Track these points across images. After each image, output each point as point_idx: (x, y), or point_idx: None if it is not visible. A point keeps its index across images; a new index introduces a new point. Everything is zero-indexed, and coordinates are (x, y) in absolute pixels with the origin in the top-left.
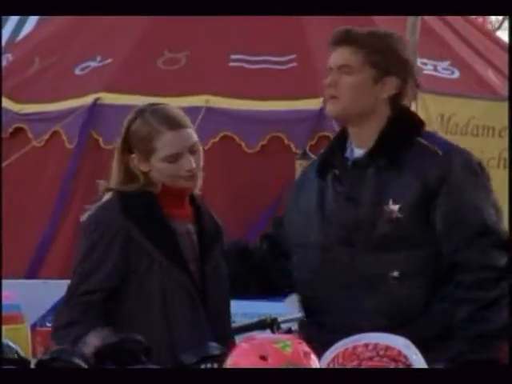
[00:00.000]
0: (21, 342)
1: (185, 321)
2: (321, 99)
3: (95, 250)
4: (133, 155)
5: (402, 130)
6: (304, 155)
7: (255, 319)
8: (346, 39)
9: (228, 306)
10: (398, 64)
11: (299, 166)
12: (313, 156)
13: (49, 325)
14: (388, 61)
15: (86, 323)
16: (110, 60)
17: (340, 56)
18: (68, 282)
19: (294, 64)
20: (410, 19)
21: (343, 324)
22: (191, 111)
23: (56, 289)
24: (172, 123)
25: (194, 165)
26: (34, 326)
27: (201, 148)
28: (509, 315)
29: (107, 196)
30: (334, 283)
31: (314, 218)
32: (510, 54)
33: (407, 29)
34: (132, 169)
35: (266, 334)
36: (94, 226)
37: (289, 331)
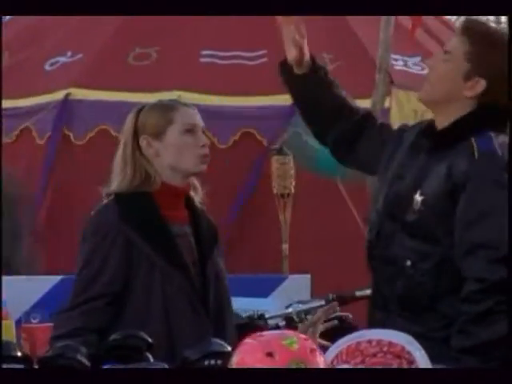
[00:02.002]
0: (8, 339)
1: (186, 324)
2: None
3: (95, 256)
4: (142, 137)
5: (464, 127)
6: (280, 151)
7: (242, 315)
8: (462, 29)
9: (229, 308)
10: (497, 68)
11: (275, 161)
12: (288, 152)
13: (34, 321)
14: (486, 62)
15: (90, 331)
16: (80, 55)
17: (450, 42)
18: (50, 277)
19: (265, 59)
20: (384, 17)
21: (382, 305)
22: None
23: (39, 285)
24: (182, 102)
25: (207, 141)
26: (18, 323)
27: None
28: (502, 331)
29: (105, 200)
30: (380, 256)
31: (383, 186)
32: (509, 54)
33: (381, 25)
34: (136, 159)
35: (273, 331)
36: (92, 231)
37: (276, 327)
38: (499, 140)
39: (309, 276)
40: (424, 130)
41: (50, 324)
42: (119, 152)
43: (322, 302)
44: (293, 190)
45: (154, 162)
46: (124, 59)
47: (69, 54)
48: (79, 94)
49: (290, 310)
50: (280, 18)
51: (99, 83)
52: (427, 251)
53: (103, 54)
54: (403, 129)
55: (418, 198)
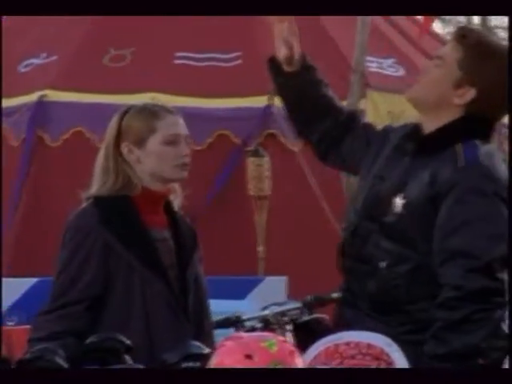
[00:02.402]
0: None
1: (165, 328)
2: (266, 96)
3: (74, 260)
4: (124, 144)
5: (451, 134)
6: (256, 152)
7: (219, 317)
8: (457, 36)
9: (208, 312)
10: (488, 79)
11: (251, 163)
12: (264, 153)
13: (10, 323)
14: (477, 71)
15: (69, 335)
16: (55, 57)
17: (444, 47)
18: (27, 280)
19: (240, 61)
20: (361, 18)
21: (352, 303)
22: None
23: (16, 287)
24: (168, 109)
25: (188, 151)
26: None
27: None
28: (476, 340)
29: (85, 203)
30: (354, 255)
31: (365, 186)
32: (509, 54)
33: (357, 27)
34: (118, 163)
35: (252, 333)
36: (71, 235)
37: (252, 329)
38: (485, 149)
39: (285, 278)
40: (410, 134)
41: (27, 326)
42: (101, 155)
43: (299, 304)
44: (269, 192)
45: (136, 168)
46: (99, 61)
47: (43, 55)
48: (54, 95)
49: (266, 311)
50: (272, 16)
51: (74, 85)
52: (403, 255)
53: (78, 55)
54: (388, 130)
55: (398, 200)
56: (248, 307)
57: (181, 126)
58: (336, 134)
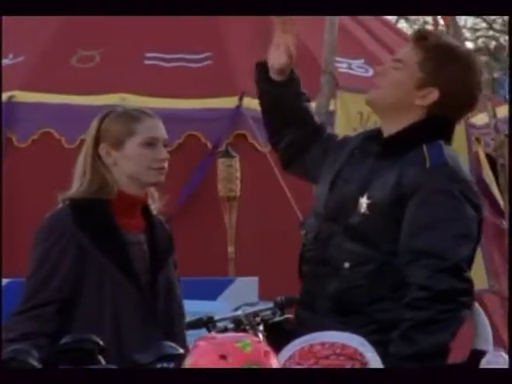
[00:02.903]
0: None
1: (135, 333)
2: (236, 97)
3: (46, 261)
4: (102, 145)
5: (415, 134)
6: (226, 153)
7: (191, 318)
8: (416, 39)
9: (180, 318)
10: (451, 82)
11: (221, 164)
12: (234, 154)
13: None
14: (439, 72)
15: (40, 336)
16: (22, 58)
17: (402, 50)
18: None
19: (210, 62)
20: (329, 18)
21: (309, 305)
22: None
23: None
24: (147, 113)
25: (167, 155)
26: None
27: None
28: (444, 340)
29: (60, 205)
30: (315, 258)
31: (325, 187)
32: (510, 54)
33: (325, 27)
34: (96, 166)
35: (226, 334)
36: (44, 235)
37: (225, 330)
38: (448, 150)
39: (256, 278)
40: (373, 136)
41: None
42: (80, 157)
43: (271, 305)
44: (238, 193)
45: (113, 170)
46: (67, 62)
47: (10, 56)
48: (22, 96)
49: (238, 312)
50: (277, 23)
51: (42, 86)
52: (367, 255)
53: (46, 56)
54: (347, 138)
55: (364, 201)
56: (220, 308)
57: (160, 130)
58: (302, 145)
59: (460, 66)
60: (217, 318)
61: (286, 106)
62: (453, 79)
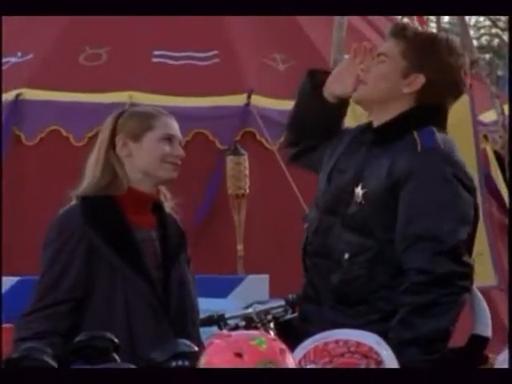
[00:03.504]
0: None
1: (147, 330)
2: (244, 95)
3: (57, 262)
4: (119, 136)
5: (405, 121)
6: (235, 151)
7: (202, 316)
8: (395, 32)
9: (193, 314)
10: (434, 65)
11: (230, 161)
12: (243, 152)
13: None
14: (422, 58)
15: (54, 334)
16: (30, 56)
17: (383, 45)
18: (7, 279)
19: (217, 60)
20: (338, 17)
21: (314, 298)
22: (115, 107)
23: None
24: (166, 113)
25: (182, 153)
26: None
27: None
28: (444, 325)
29: (71, 203)
30: (315, 250)
31: (324, 180)
32: (509, 54)
33: (334, 27)
34: (109, 157)
35: (241, 331)
36: (55, 235)
37: (236, 327)
38: (441, 135)
39: (267, 276)
40: (365, 127)
41: (7, 325)
42: (93, 152)
43: (282, 303)
44: (247, 191)
45: (126, 163)
46: (75, 60)
47: (19, 54)
48: (30, 94)
49: (250, 310)
50: (354, 52)
51: (50, 84)
52: (364, 244)
53: (53, 54)
54: (345, 130)
55: (359, 190)
56: (230, 305)
57: (176, 129)
58: (314, 147)
59: (441, 50)
60: (228, 315)
61: (326, 125)
62: (436, 63)
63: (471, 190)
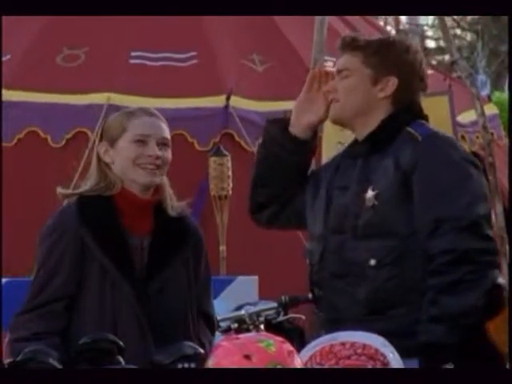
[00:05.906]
0: None
1: (131, 335)
2: (223, 96)
3: (51, 258)
4: (101, 144)
5: (395, 123)
6: (218, 152)
7: None
8: (347, 45)
9: (176, 328)
10: (398, 65)
11: (213, 162)
12: (226, 153)
13: None
14: (386, 61)
15: (52, 334)
16: (8, 56)
17: (340, 61)
18: None
19: (195, 61)
20: (318, 18)
21: (337, 322)
22: (93, 108)
23: None
24: (148, 111)
25: (158, 153)
26: None
27: (170, 149)
28: (471, 301)
29: (67, 202)
30: (329, 273)
31: (320, 211)
32: (509, 54)
33: (315, 28)
34: (100, 165)
35: (248, 334)
36: (49, 232)
37: (228, 329)
38: (433, 126)
39: (256, 278)
40: (352, 144)
41: None
42: (92, 161)
43: (275, 304)
44: (230, 192)
45: (113, 168)
46: (52, 60)
47: None
48: (7, 95)
49: (242, 312)
50: (312, 77)
51: (28, 84)
52: (387, 246)
53: (31, 54)
54: (320, 167)
55: (370, 194)
56: (220, 307)
57: (154, 128)
58: (289, 199)
59: (399, 50)
60: (219, 317)
61: (298, 165)
62: (400, 63)
63: (481, 171)
